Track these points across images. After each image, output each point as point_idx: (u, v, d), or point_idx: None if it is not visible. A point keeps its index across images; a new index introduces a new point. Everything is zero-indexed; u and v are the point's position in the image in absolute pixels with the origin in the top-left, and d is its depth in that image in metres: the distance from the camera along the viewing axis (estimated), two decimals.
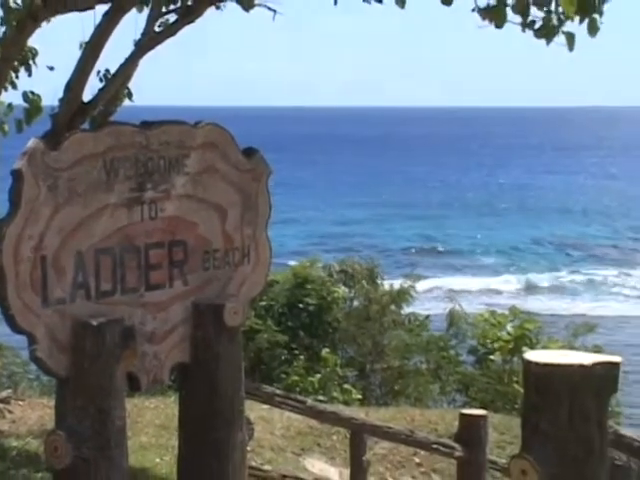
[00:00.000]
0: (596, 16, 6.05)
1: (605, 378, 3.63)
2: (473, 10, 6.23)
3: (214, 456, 5.28)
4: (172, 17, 7.67)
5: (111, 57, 7.65)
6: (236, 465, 5.37)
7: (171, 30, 7.60)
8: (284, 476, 7.69)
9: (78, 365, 4.59)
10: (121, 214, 4.85)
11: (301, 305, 18.11)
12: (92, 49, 7.23)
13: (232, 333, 5.29)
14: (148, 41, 7.68)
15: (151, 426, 9.72)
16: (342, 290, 18.89)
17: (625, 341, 33.01)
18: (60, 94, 7.45)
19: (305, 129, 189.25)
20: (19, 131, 8.11)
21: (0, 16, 7.78)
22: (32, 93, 7.99)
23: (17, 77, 8.53)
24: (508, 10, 6.13)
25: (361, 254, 24.82)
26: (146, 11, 7.77)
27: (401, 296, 18.99)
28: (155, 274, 5.04)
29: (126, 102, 8.61)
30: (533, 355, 3.68)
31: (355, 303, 19.18)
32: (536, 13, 6.21)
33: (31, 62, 8.36)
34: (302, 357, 17.15)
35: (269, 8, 7.31)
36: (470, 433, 8.27)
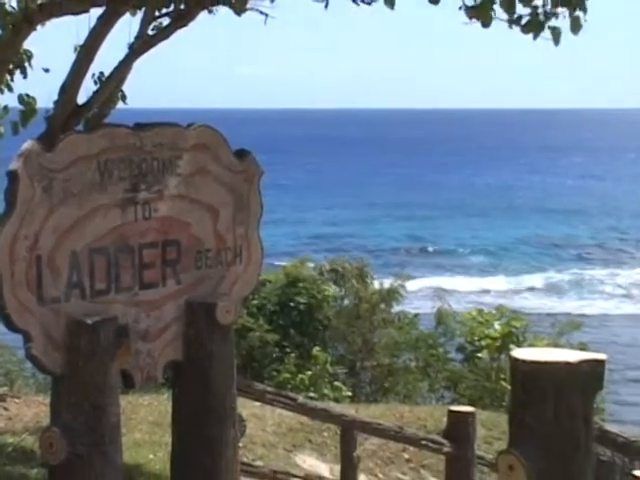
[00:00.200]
0: (579, 14, 6.06)
1: (590, 375, 3.63)
2: (460, 8, 6.22)
3: (207, 452, 5.28)
4: (165, 21, 7.67)
5: (105, 60, 7.64)
6: (228, 461, 5.37)
7: (164, 33, 7.60)
8: (275, 472, 7.67)
9: (73, 363, 4.59)
10: (115, 214, 4.85)
11: (292, 304, 18.14)
12: (87, 52, 7.22)
13: (224, 331, 5.29)
14: (142, 44, 7.68)
15: (145, 423, 9.71)
16: (332, 289, 18.92)
17: (610, 339, 33.12)
18: (55, 96, 7.44)
19: (296, 131, 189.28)
20: (15, 133, 8.10)
21: None
22: (27, 95, 7.98)
23: (12, 79, 8.51)
24: (495, 7, 6.14)
25: (351, 254, 24.83)
26: (140, 15, 7.77)
27: (391, 295, 19.03)
28: (149, 273, 5.04)
29: (120, 104, 8.59)
30: (520, 353, 3.68)
31: (345, 302, 19.21)
32: (522, 10, 6.21)
33: (26, 65, 8.34)
34: (293, 355, 17.17)
35: (261, 12, 7.30)
36: (458, 429, 8.28)
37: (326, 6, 7.12)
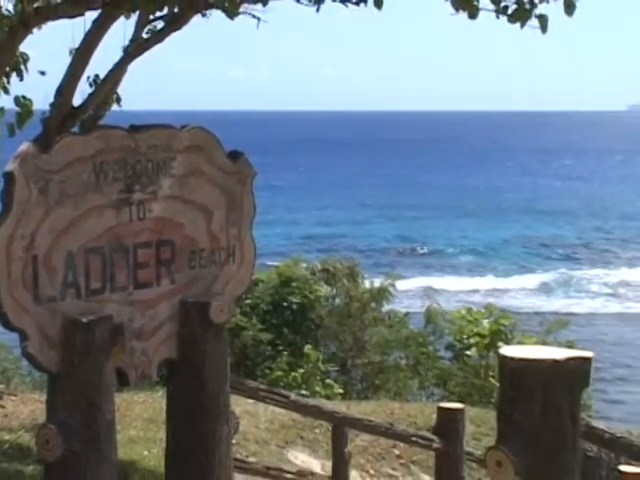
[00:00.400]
0: None
1: (577, 372, 3.64)
2: (446, 0, 6.19)
3: (201, 449, 5.28)
4: (159, 24, 7.65)
5: (100, 63, 7.63)
6: (222, 457, 5.37)
7: (158, 37, 7.58)
8: (268, 468, 7.67)
9: (68, 361, 4.59)
10: (110, 215, 4.85)
11: (285, 303, 18.13)
12: (82, 55, 7.21)
13: (218, 330, 5.29)
14: (136, 47, 7.66)
15: (139, 420, 9.70)
16: (324, 289, 18.91)
17: (597, 337, 33.17)
18: (51, 99, 7.42)
19: (288, 133, 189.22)
20: (11, 135, 8.07)
21: None
22: (24, 97, 7.95)
23: (9, 82, 8.48)
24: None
25: (342, 254, 24.83)
26: (134, 18, 7.75)
27: (381, 294, 19.03)
28: (143, 273, 5.04)
29: (115, 107, 8.57)
30: (508, 350, 3.69)
31: (337, 301, 19.20)
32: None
33: (22, 67, 8.32)
34: (286, 353, 17.16)
35: (253, 16, 7.29)
36: (448, 426, 8.29)
37: (318, 10, 7.12)
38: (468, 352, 17.36)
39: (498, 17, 6.22)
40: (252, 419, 10.38)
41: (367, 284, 19.40)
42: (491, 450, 3.64)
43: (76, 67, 7.26)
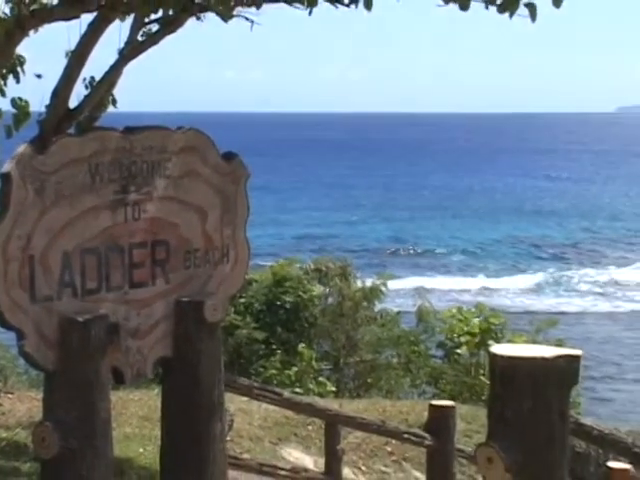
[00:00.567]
0: None
1: (566, 370, 3.64)
2: None
3: (195, 446, 5.28)
4: (154, 27, 7.65)
5: (96, 65, 7.62)
6: (216, 454, 5.37)
7: (154, 39, 7.58)
8: (262, 465, 7.67)
9: (65, 359, 4.58)
10: (106, 215, 4.84)
11: (279, 302, 18.12)
12: (78, 57, 7.19)
13: (212, 329, 5.29)
14: (131, 50, 7.65)
15: (135, 417, 9.69)
16: (317, 288, 18.90)
17: (586, 335, 33.23)
18: (47, 100, 7.41)
19: (281, 134, 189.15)
20: (8, 136, 8.06)
21: None
22: (20, 99, 7.94)
23: (5, 84, 8.47)
24: None
25: (334, 254, 24.82)
26: (129, 21, 7.75)
27: (373, 293, 19.02)
28: (138, 272, 5.04)
29: (110, 108, 8.56)
30: (498, 349, 3.69)
31: (329, 300, 19.18)
32: None
33: (19, 69, 8.30)
34: (279, 352, 17.16)
35: (247, 18, 7.28)
36: (439, 423, 8.29)
37: (310, 13, 7.11)
38: (459, 350, 17.38)
39: (487, 7, 6.19)
40: (246, 416, 10.38)
41: (359, 283, 19.39)
42: (482, 447, 3.64)
43: (72, 69, 7.25)
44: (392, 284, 21.03)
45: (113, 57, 7.66)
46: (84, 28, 7.07)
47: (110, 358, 4.75)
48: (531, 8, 6.10)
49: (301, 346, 16.95)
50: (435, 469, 8.41)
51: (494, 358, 3.65)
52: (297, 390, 14.79)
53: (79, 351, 4.58)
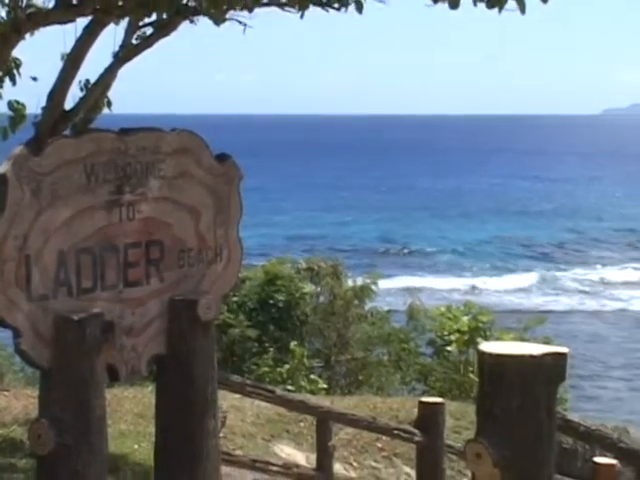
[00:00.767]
0: None
1: (554, 367, 3.65)
2: None
3: (189, 442, 5.27)
4: (149, 30, 7.65)
5: (91, 68, 7.62)
6: (209, 451, 5.36)
7: (148, 42, 7.58)
8: (254, 461, 7.66)
9: (60, 357, 4.58)
10: (101, 216, 4.84)
11: (271, 301, 18.11)
12: (73, 60, 7.19)
13: (206, 327, 5.29)
14: (126, 53, 7.65)
15: (129, 414, 9.69)
16: (309, 287, 18.90)
17: (573, 334, 33.28)
18: (43, 103, 7.41)
19: (274, 136, 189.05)
20: (4, 138, 8.04)
21: None
22: (17, 102, 7.92)
23: (2, 87, 8.45)
24: None
25: (326, 254, 24.83)
26: (124, 24, 7.74)
27: (364, 292, 19.03)
28: (133, 272, 5.03)
29: (105, 110, 8.56)
30: (487, 346, 3.70)
31: (321, 298, 19.19)
32: None
33: (15, 72, 8.29)
34: (272, 349, 17.15)
35: (239, 22, 7.28)
36: (429, 419, 8.29)
37: (302, 16, 7.12)
38: (448, 348, 17.39)
39: (475, 4, 6.16)
40: (239, 413, 10.38)
41: (350, 282, 19.40)
42: (470, 443, 3.65)
43: (67, 72, 7.25)
44: (382, 283, 21.05)
45: (108, 60, 7.66)
46: (79, 31, 7.08)
47: (105, 356, 4.74)
48: (519, 1, 6.06)
49: (293, 344, 16.95)
50: (425, 465, 8.41)
51: (483, 356, 3.65)
52: (289, 387, 14.80)
53: (74, 349, 4.57)
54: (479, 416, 3.69)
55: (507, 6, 6.10)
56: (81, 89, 7.84)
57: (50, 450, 4.52)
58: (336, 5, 6.93)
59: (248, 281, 18.20)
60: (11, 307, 4.44)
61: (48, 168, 4.56)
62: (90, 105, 7.83)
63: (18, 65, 8.26)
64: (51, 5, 6.93)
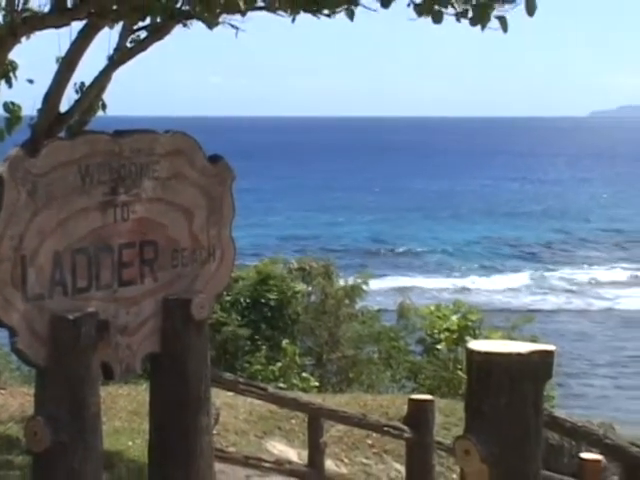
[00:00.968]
0: None
1: (541, 365, 3.65)
2: (408, 5, 6.17)
3: (182, 439, 5.27)
4: (143, 34, 7.65)
5: (86, 70, 7.62)
6: (203, 447, 5.36)
7: (142, 46, 7.59)
8: (247, 457, 7.66)
9: (56, 356, 4.57)
10: (95, 216, 4.83)
11: (263, 300, 18.10)
12: (68, 63, 7.20)
13: (199, 326, 5.29)
14: (120, 56, 7.66)
15: (124, 412, 9.68)
16: (301, 286, 18.90)
17: (560, 332, 33.32)
18: (39, 105, 7.40)
19: (266, 138, 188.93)
20: (0, 140, 8.04)
21: None
22: (13, 104, 7.92)
23: None
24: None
25: (317, 255, 24.82)
26: (118, 28, 7.75)
27: (355, 291, 19.03)
28: (127, 272, 5.03)
29: (100, 113, 8.56)
30: (475, 344, 3.70)
31: (312, 298, 19.18)
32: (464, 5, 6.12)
33: (11, 75, 8.28)
34: (264, 348, 17.14)
35: (232, 26, 7.29)
36: (418, 416, 8.30)
37: (293, 20, 7.14)
38: (438, 346, 17.39)
39: (459, 20, 6.19)
40: (232, 411, 10.37)
41: (341, 282, 19.41)
42: (459, 439, 3.65)
43: (63, 75, 7.25)
44: (373, 283, 21.05)
45: (103, 63, 7.67)
46: (74, 35, 7.08)
47: (100, 354, 4.74)
48: (502, 20, 6.11)
49: (285, 342, 16.94)
50: (414, 461, 8.42)
51: (471, 354, 3.66)
52: (281, 385, 14.79)
53: (70, 348, 4.57)
54: (467, 413, 3.70)
55: (490, 24, 6.14)
56: (76, 92, 7.84)
57: (46, 447, 4.51)
58: (326, 12, 6.94)
59: (241, 280, 18.18)
60: (7, 307, 4.43)
61: (43, 169, 4.56)
62: (85, 107, 7.84)
63: (14, 68, 8.25)
64: (47, 9, 6.93)
